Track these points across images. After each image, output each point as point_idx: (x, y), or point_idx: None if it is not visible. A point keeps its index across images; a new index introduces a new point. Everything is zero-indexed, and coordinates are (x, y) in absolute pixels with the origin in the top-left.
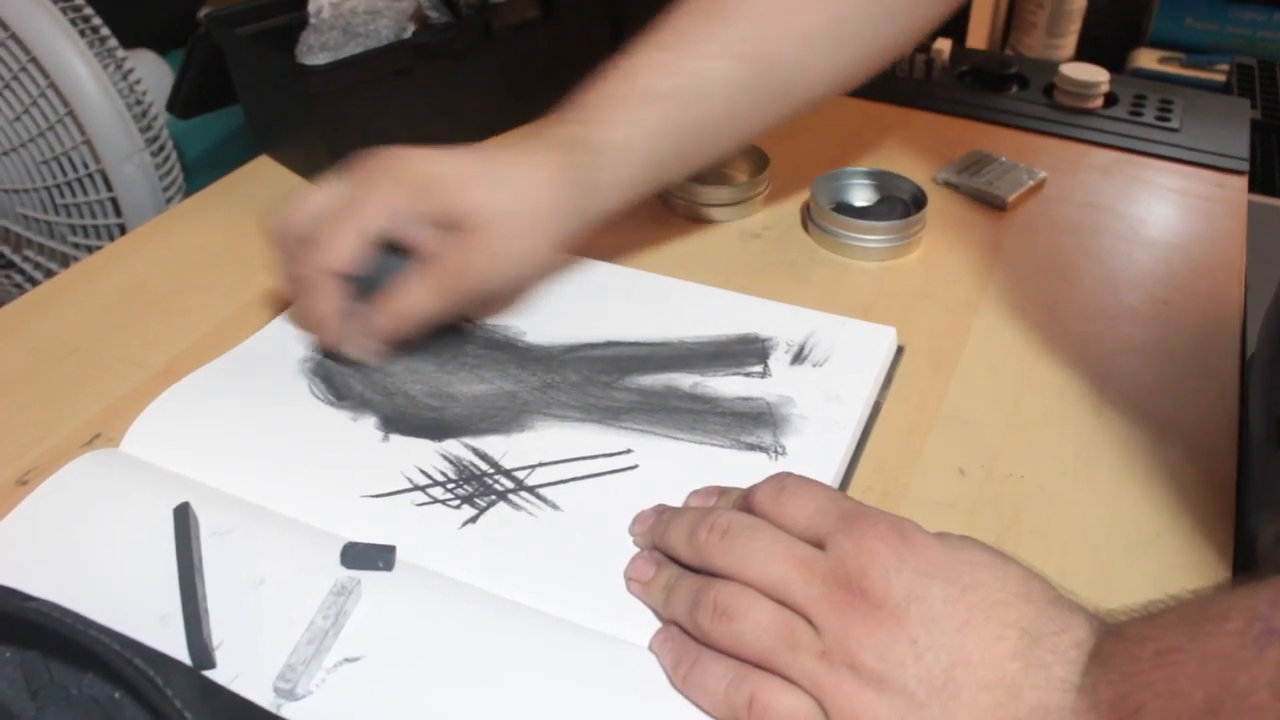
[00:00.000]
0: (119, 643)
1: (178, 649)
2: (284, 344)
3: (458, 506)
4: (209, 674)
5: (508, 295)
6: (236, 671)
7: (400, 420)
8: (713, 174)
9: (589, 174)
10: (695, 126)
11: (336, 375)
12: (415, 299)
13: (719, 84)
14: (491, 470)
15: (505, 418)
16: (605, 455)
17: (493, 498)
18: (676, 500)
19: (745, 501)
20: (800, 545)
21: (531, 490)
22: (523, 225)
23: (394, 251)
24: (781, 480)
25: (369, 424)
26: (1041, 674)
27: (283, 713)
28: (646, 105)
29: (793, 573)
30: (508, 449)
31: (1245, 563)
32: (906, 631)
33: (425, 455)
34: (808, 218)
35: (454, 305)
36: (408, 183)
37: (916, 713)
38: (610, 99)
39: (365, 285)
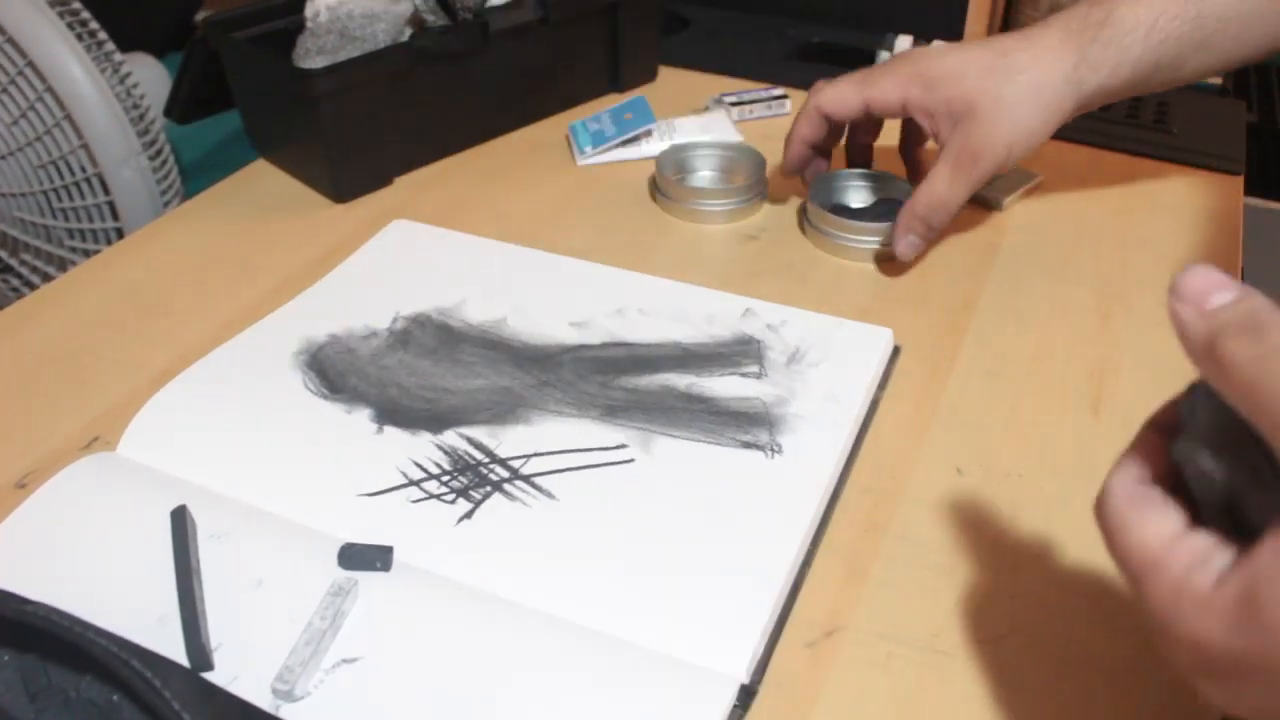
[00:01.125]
0: (117, 645)
1: (176, 651)
2: (277, 338)
3: (453, 501)
4: (207, 676)
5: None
6: (235, 673)
7: (394, 411)
8: (711, 175)
9: (1093, 49)
10: (1214, 21)
11: (330, 368)
12: (941, 184)
13: None
14: (486, 459)
15: (500, 411)
16: (601, 449)
17: (488, 489)
18: (671, 495)
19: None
20: None
21: (527, 479)
22: (1025, 109)
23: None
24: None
25: (363, 416)
26: None
27: (281, 714)
28: None
29: None
30: (503, 440)
31: None
32: None
33: (420, 447)
34: (805, 219)
35: (972, 188)
36: (918, 77)
37: None
38: None
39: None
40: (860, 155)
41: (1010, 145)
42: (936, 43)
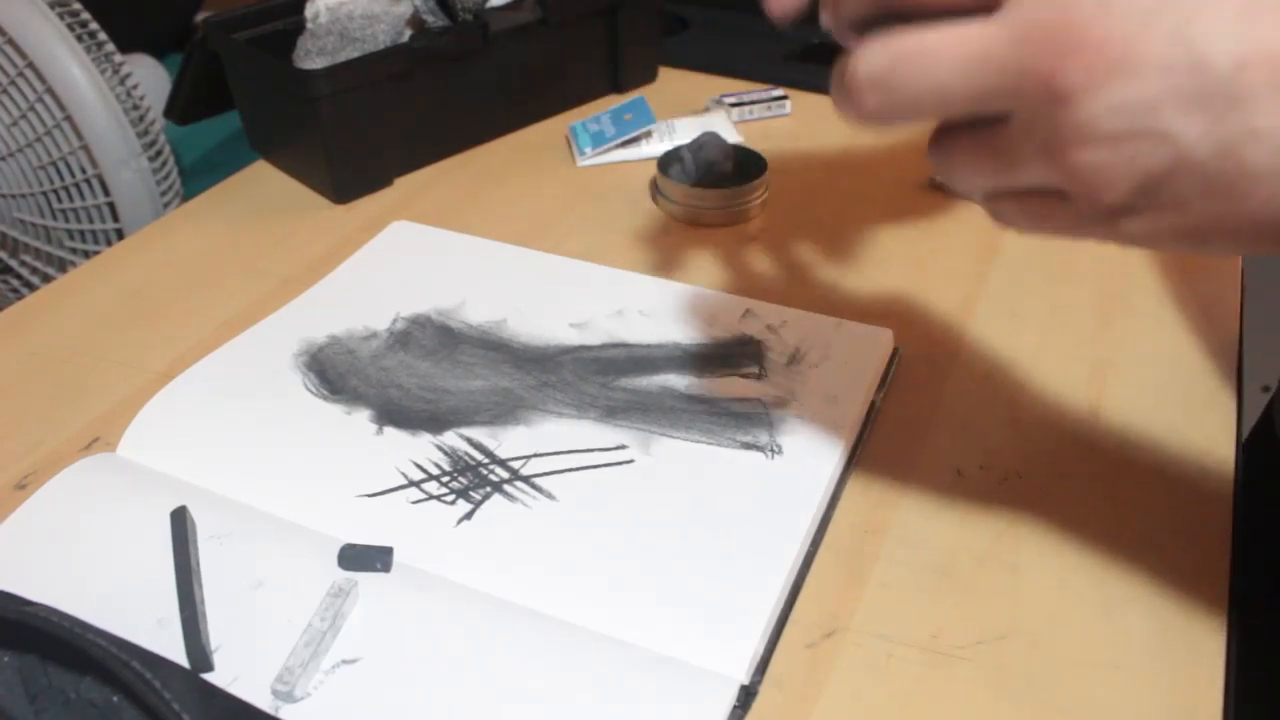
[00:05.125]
0: (117, 646)
1: (176, 652)
2: (277, 339)
3: (452, 502)
4: (207, 677)
5: None
6: (235, 674)
7: (394, 413)
8: (712, 177)
9: None
10: None
11: (330, 369)
12: None
13: None
14: (486, 460)
15: (500, 411)
16: (601, 450)
17: (488, 489)
18: (671, 496)
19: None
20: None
21: (527, 480)
22: None
23: None
24: None
25: (363, 417)
26: None
27: (281, 715)
28: None
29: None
30: (503, 440)
31: (1242, 562)
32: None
33: (420, 448)
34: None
35: None
36: None
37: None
38: None
39: None
40: None
41: None
42: None
